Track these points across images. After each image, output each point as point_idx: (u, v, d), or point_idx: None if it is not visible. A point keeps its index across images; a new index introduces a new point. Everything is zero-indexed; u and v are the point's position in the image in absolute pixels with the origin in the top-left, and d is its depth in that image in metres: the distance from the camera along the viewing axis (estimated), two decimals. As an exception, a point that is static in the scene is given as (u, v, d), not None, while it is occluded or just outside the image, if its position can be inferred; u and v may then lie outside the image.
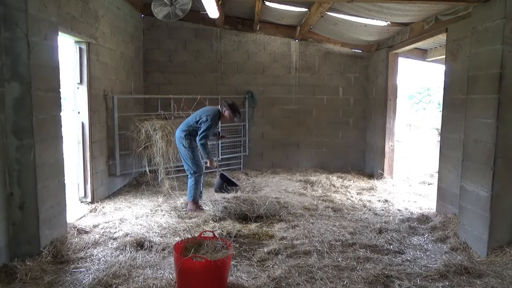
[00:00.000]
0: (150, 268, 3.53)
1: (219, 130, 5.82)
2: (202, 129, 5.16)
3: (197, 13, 6.83)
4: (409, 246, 4.18)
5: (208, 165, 5.39)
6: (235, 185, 6.02)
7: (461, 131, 4.52)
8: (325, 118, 8.41)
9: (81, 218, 4.88)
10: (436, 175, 5.93)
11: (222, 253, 3.24)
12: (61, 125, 4.12)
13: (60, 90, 4.10)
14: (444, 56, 5.39)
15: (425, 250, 4.10)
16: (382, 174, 7.43)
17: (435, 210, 5.40)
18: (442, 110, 5.39)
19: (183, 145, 5.26)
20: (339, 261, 3.75)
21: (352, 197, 6.25)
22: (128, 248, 3.90)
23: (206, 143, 5.21)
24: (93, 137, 5.47)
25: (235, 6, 7.10)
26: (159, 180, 6.64)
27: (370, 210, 5.53)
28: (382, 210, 5.54)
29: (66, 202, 4.28)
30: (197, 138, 5.18)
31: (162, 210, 5.28)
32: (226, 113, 5.33)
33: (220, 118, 5.42)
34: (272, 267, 3.62)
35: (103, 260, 3.69)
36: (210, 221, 4.79)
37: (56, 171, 4.03)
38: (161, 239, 4.22)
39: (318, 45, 8.22)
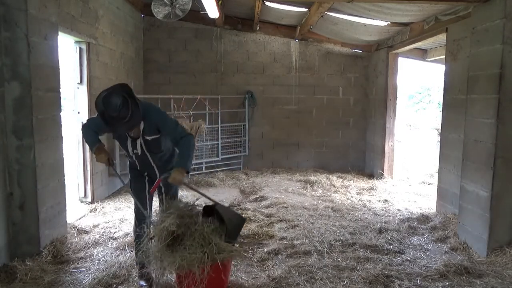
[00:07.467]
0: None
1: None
2: None
3: (197, 13, 6.83)
4: (409, 246, 4.18)
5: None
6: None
7: (461, 131, 4.52)
8: (325, 118, 8.40)
9: (81, 218, 4.87)
10: (436, 175, 5.93)
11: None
12: (61, 125, 4.13)
13: (60, 90, 4.11)
14: (444, 56, 5.38)
15: (425, 250, 4.09)
16: (382, 174, 7.43)
17: (435, 210, 5.40)
18: (442, 110, 5.38)
19: None
20: (339, 261, 3.75)
21: (352, 197, 6.25)
22: (128, 248, 3.90)
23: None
24: (93, 137, 5.47)
25: (235, 6, 7.10)
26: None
27: (370, 210, 5.53)
28: (382, 210, 5.54)
29: (66, 202, 4.28)
30: None
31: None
32: None
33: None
34: (272, 267, 3.63)
35: (103, 260, 3.69)
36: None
37: (56, 171, 4.03)
38: (161, 239, 4.22)
39: (318, 45, 8.21)
